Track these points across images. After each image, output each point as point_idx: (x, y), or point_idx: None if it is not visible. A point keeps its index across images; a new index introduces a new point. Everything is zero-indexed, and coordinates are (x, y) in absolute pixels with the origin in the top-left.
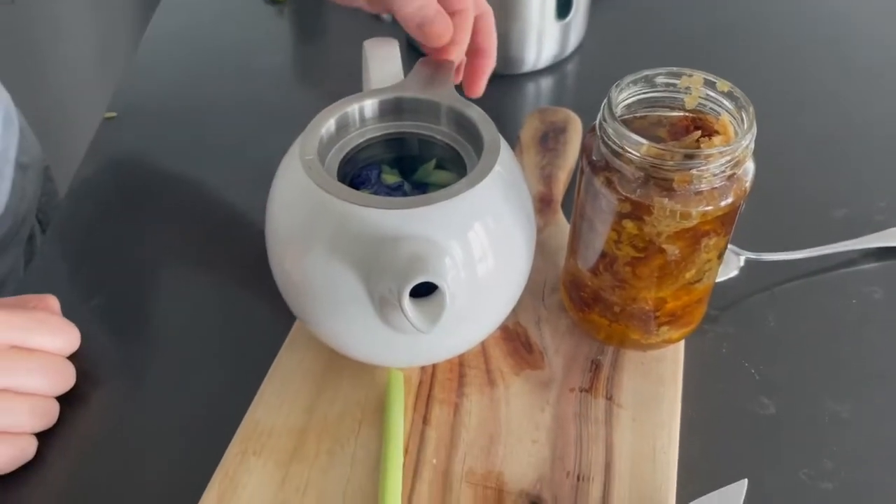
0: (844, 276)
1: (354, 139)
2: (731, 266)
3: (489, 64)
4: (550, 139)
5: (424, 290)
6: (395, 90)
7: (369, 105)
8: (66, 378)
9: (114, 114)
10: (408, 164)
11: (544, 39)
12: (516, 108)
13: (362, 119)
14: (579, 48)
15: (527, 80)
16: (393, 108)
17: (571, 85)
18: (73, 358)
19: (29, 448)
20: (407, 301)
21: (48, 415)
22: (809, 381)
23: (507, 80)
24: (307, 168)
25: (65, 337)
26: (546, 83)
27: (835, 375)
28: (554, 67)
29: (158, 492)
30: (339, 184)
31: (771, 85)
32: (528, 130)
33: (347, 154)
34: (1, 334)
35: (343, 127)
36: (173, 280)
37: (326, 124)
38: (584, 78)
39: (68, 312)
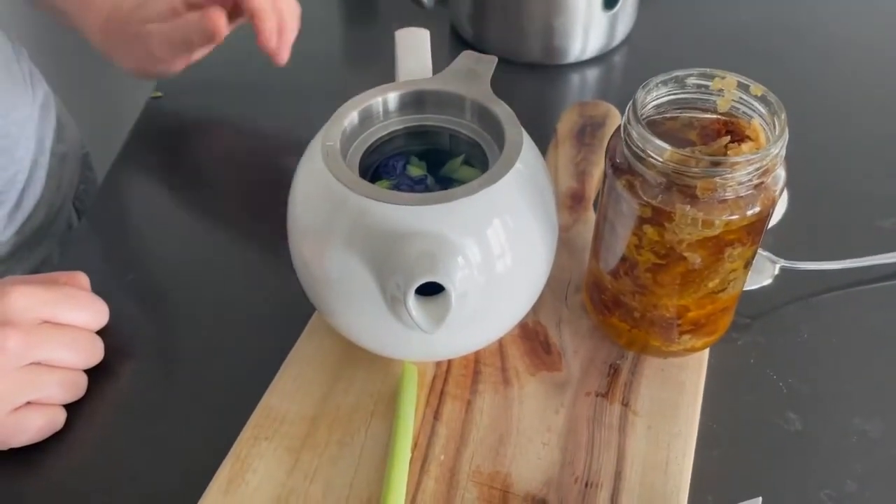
0: (886, 289)
1: (379, 130)
2: (765, 274)
3: (267, 24)
4: (587, 134)
5: (436, 289)
6: (424, 83)
7: (393, 97)
8: (94, 352)
9: (160, 93)
10: (435, 157)
11: (590, 30)
12: (558, 100)
13: (386, 111)
14: (626, 40)
15: (571, 71)
16: (418, 101)
17: (617, 78)
18: (102, 333)
19: (58, 418)
20: (412, 300)
21: (77, 387)
22: (839, 397)
23: (550, 70)
24: (325, 156)
25: (94, 312)
26: (591, 75)
27: (866, 393)
28: (599, 59)
29: (175, 468)
30: (356, 176)
31: (822, 84)
32: (566, 124)
33: (372, 144)
34: (32, 310)
35: (367, 118)
36: (205, 260)
37: (350, 115)
38: (630, 71)
39: (100, 289)
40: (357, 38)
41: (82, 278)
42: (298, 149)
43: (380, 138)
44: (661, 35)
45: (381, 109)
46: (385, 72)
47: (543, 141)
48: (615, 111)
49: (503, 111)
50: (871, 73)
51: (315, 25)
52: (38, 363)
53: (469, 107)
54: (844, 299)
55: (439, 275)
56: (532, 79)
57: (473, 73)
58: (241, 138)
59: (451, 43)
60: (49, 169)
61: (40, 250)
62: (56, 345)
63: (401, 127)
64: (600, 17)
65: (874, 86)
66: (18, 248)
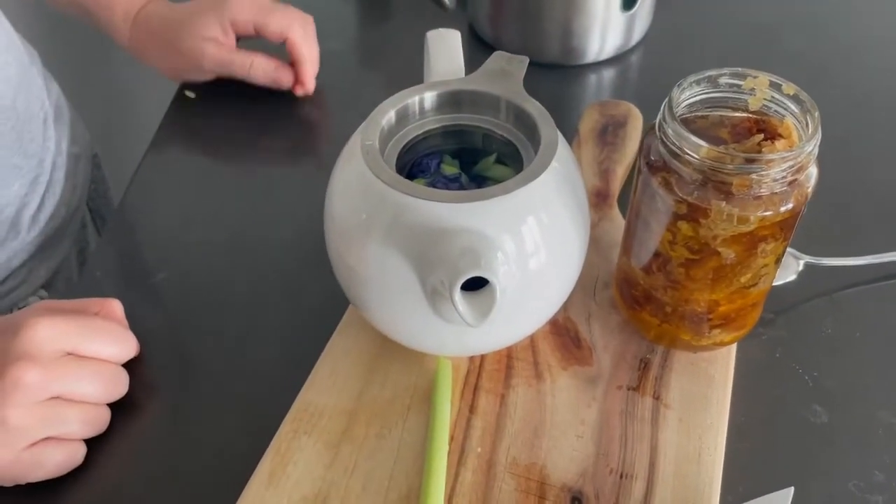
0: None
1: (414, 130)
2: (790, 270)
3: (309, 69)
4: (609, 133)
5: (475, 284)
6: (458, 83)
7: (430, 96)
8: (118, 386)
9: (193, 94)
10: (468, 155)
11: (608, 31)
12: (577, 100)
13: (422, 110)
14: (644, 39)
15: (589, 71)
16: (453, 100)
17: (634, 77)
18: (128, 362)
19: (78, 454)
20: (458, 294)
21: (98, 422)
22: (865, 390)
23: (568, 70)
24: (365, 154)
25: (121, 345)
26: (609, 75)
27: (891, 386)
28: (617, 59)
29: (211, 470)
30: (396, 174)
31: (843, 79)
32: (588, 123)
33: (408, 143)
34: (56, 342)
35: (403, 117)
36: (235, 258)
37: (387, 115)
38: (647, 70)
39: (128, 293)
40: (372, 38)
41: (115, 306)
42: (318, 146)
43: (415, 137)
44: (679, 35)
45: (416, 109)
46: (400, 70)
47: (567, 138)
48: (636, 110)
49: (537, 110)
50: (893, 68)
51: (332, 25)
52: (59, 397)
53: (504, 106)
54: (867, 294)
55: (484, 269)
56: (550, 79)
57: (506, 73)
58: (261, 137)
59: (471, 43)
60: (66, 170)
61: (61, 249)
62: (77, 378)
63: (436, 126)
64: (618, 18)
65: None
66: (40, 249)
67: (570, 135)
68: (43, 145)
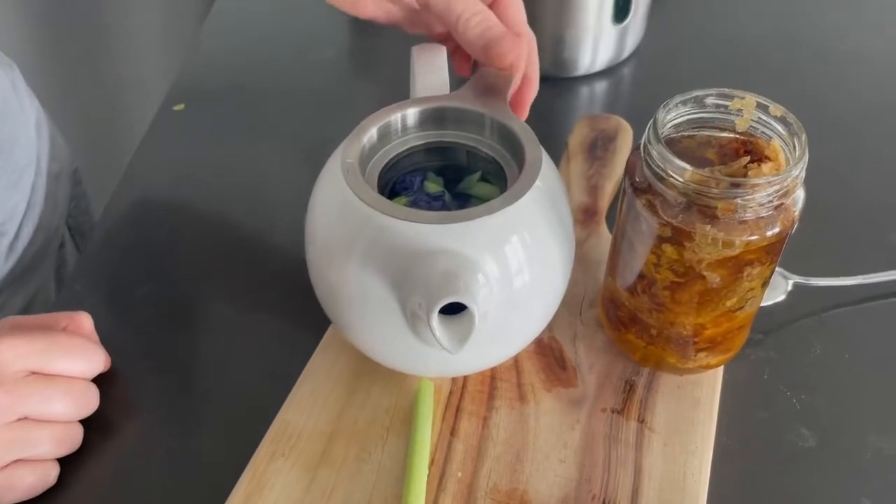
0: None
1: (397, 147)
2: (779, 290)
3: (533, 91)
4: (599, 147)
5: (456, 308)
6: (443, 99)
7: (412, 113)
8: (88, 402)
9: (182, 106)
10: (452, 173)
11: (600, 43)
12: (568, 113)
13: (405, 127)
14: (636, 52)
15: (580, 84)
16: (437, 117)
17: (626, 90)
18: (98, 377)
19: (50, 474)
20: (436, 320)
21: (71, 440)
22: (853, 413)
23: (559, 82)
24: (346, 173)
25: (89, 360)
26: (600, 87)
27: (880, 409)
28: (609, 71)
29: (188, 488)
30: (376, 194)
31: (831, 96)
32: (577, 137)
33: (391, 161)
34: (20, 361)
35: (385, 135)
36: (218, 273)
37: (369, 132)
38: (639, 82)
39: (107, 308)
40: (364, 48)
41: (84, 320)
42: (309, 156)
43: (398, 154)
44: (671, 48)
45: (399, 126)
46: (392, 81)
47: (554, 154)
48: (626, 125)
49: (522, 128)
50: (884, 86)
51: (323, 35)
52: (28, 417)
53: (488, 124)
54: (858, 315)
55: (462, 294)
56: (541, 90)
57: (492, 90)
58: (249, 148)
59: None
60: (45, 191)
61: (39, 274)
62: (46, 397)
63: (419, 143)
64: (610, 30)
65: (886, 99)
66: (18, 277)
67: (560, 148)
68: (24, 169)
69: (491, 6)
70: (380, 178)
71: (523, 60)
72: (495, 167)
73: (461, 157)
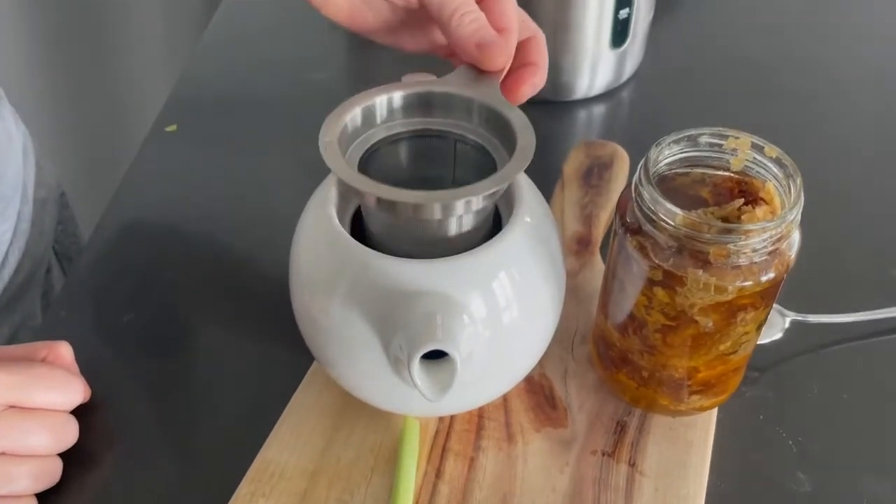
0: None
1: (380, 132)
2: (776, 328)
3: (537, 75)
4: (594, 175)
5: (440, 351)
6: (430, 84)
7: (398, 97)
8: (67, 435)
9: (174, 127)
10: (438, 161)
11: (598, 67)
12: (565, 137)
13: (391, 111)
14: (634, 76)
15: (578, 108)
16: (422, 103)
17: (624, 114)
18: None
19: None
20: (416, 367)
21: (49, 475)
22: (850, 456)
23: (557, 106)
24: (324, 151)
25: (66, 392)
26: (598, 111)
27: (878, 452)
28: (607, 95)
29: None
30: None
31: (832, 120)
32: (572, 164)
33: (371, 147)
34: None
35: (369, 119)
36: (205, 303)
37: (352, 112)
38: (637, 108)
39: (91, 335)
40: (357, 69)
41: (64, 350)
42: (301, 179)
43: (380, 140)
44: (670, 72)
45: (385, 110)
46: None
47: (550, 178)
48: (622, 152)
49: (514, 114)
50: (885, 115)
51: (317, 56)
52: (4, 453)
53: (477, 109)
54: (856, 353)
55: (443, 342)
56: (539, 115)
57: (479, 79)
58: (240, 171)
59: None
60: (32, 218)
61: (25, 302)
62: (22, 432)
63: (403, 129)
64: (608, 55)
65: (888, 130)
66: (4, 308)
67: (555, 174)
68: (10, 199)
69: (481, 1)
70: (360, 168)
71: (510, 61)
72: (483, 155)
73: (448, 147)
